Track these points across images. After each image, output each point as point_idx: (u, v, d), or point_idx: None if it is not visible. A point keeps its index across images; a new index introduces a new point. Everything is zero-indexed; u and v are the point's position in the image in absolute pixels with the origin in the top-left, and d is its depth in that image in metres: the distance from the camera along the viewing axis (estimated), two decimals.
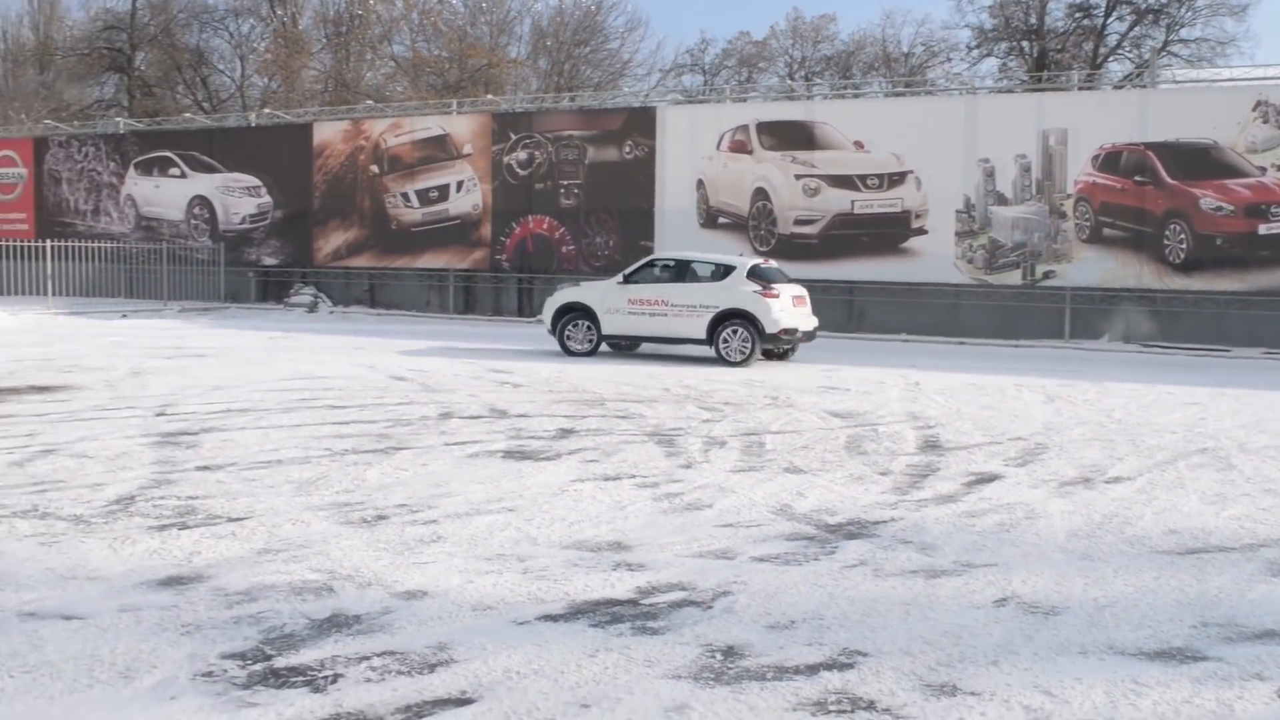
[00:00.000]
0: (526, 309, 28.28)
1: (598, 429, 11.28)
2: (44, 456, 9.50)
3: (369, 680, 4.75)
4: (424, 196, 29.22)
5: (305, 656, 5.01)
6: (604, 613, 5.66)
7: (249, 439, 10.43)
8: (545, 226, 27.86)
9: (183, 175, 32.86)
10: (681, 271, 19.03)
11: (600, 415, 12.21)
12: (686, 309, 18.51)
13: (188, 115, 41.58)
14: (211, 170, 32.42)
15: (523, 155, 28.06)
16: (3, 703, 4.50)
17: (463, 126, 29.21)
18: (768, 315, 18.05)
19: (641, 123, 27.08)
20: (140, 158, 33.69)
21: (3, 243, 32.11)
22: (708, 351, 18.64)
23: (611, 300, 18.99)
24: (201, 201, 32.50)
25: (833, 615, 5.68)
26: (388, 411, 12.27)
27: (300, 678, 4.77)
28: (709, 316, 18.32)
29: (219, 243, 32.05)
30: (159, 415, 11.84)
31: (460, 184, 28.80)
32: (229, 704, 4.50)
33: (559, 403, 13.16)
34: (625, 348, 19.75)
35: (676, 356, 19.05)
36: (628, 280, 19.05)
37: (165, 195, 33.17)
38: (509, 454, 9.87)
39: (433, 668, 4.90)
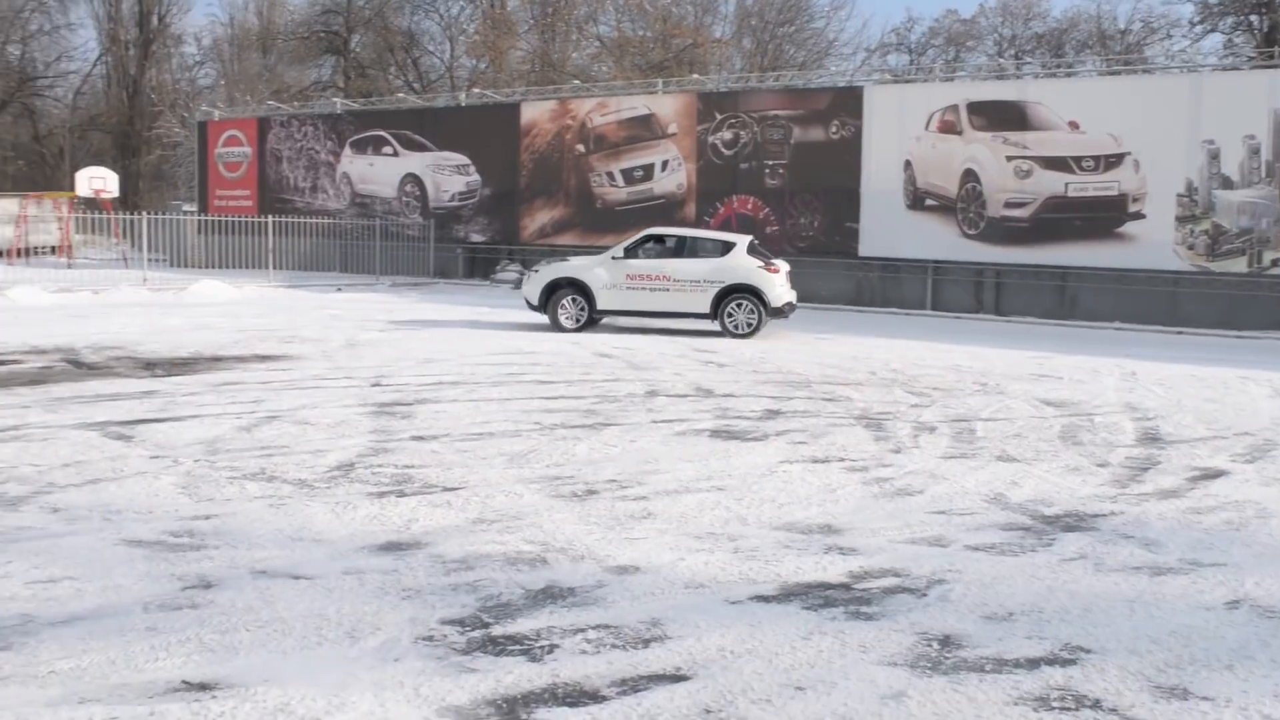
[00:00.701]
0: None
1: (804, 411, 11.19)
2: (269, 422, 9.89)
3: (584, 652, 4.80)
4: (629, 176, 29.43)
5: (522, 626, 5.09)
6: (816, 595, 5.61)
7: (460, 411, 10.68)
8: (749, 207, 27.76)
9: (395, 154, 33.78)
10: (681, 247, 19.36)
11: (806, 397, 12.12)
12: (690, 284, 18.81)
13: (400, 95, 42.75)
14: (423, 149, 33.25)
15: (728, 135, 28.00)
16: (240, 655, 4.70)
17: (668, 106, 29.29)
18: (773, 289, 18.75)
19: (847, 102, 26.71)
20: (355, 137, 34.75)
21: (229, 218, 33.59)
22: (705, 325, 19.16)
23: (608, 276, 19.01)
24: (413, 179, 33.38)
25: (1052, 609, 5.51)
26: (594, 388, 12.42)
27: (517, 646, 4.85)
28: (714, 291, 18.76)
29: (429, 220, 32.87)
30: (374, 386, 12.22)
31: (665, 163, 28.91)
32: (449, 668, 4.60)
33: (764, 383, 13.10)
34: (594, 321, 19.51)
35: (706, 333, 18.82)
36: (626, 256, 19.13)
37: (378, 173, 34.17)
38: (716, 433, 9.87)
39: (647, 643, 4.92)
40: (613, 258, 19.18)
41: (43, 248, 38.24)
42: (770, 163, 27.49)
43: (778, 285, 18.85)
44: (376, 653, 4.76)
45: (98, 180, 36.53)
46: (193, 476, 7.79)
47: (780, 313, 18.99)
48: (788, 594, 5.63)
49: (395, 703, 4.29)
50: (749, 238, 19.84)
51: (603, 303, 19.04)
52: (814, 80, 34.47)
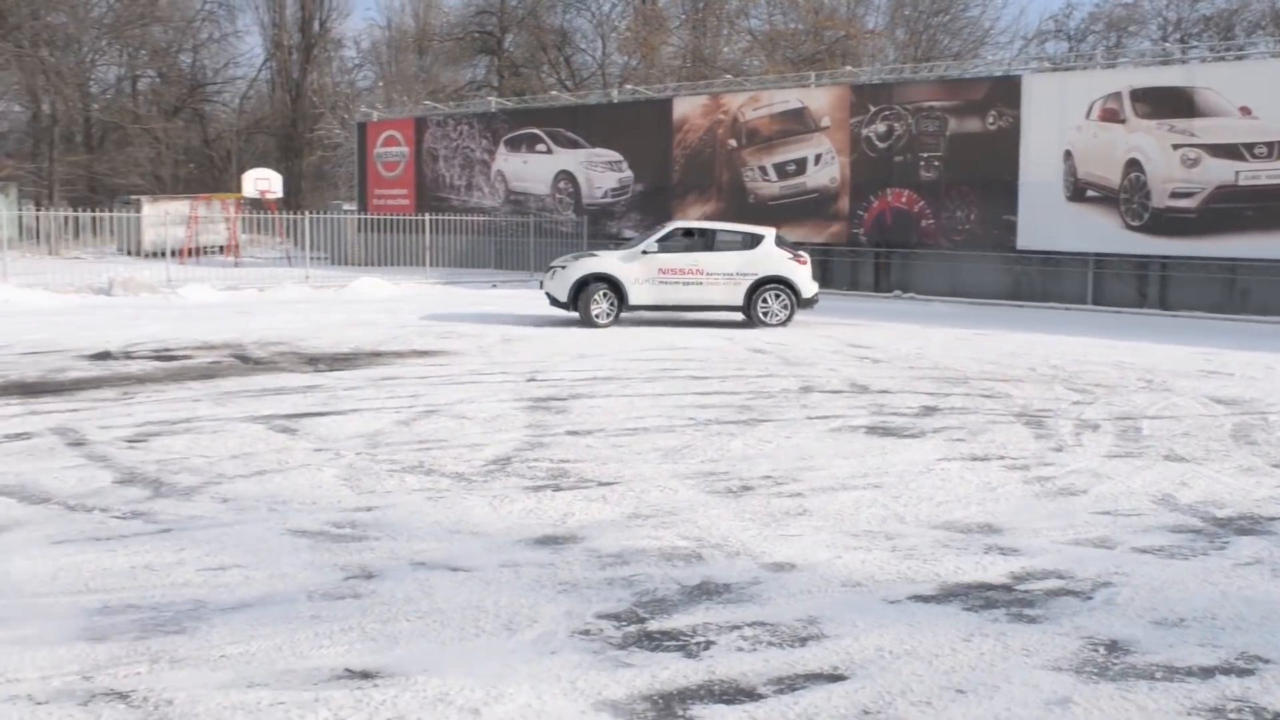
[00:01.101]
0: (884, 284, 27.89)
1: (962, 407, 10.97)
2: (427, 417, 10.08)
3: (740, 649, 4.77)
4: (781, 170, 29.23)
5: (677, 621, 5.08)
6: (977, 596, 5.49)
7: (615, 406, 10.73)
8: (904, 200, 27.34)
9: (549, 151, 34.12)
10: (711, 241, 19.48)
11: (964, 394, 11.88)
12: (723, 277, 19.04)
13: (553, 93, 43.19)
14: (575, 146, 33.52)
15: (881, 127, 27.62)
16: (401, 645, 4.78)
17: (820, 99, 29.02)
18: (803, 280, 19.31)
19: (1005, 92, 26.11)
20: (509, 135, 35.20)
21: (388, 217, 34.34)
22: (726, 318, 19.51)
23: (640, 270, 18.90)
24: (566, 176, 33.68)
25: (1227, 615, 5.30)
26: (748, 383, 12.37)
27: (673, 642, 4.84)
28: (747, 284, 19.06)
29: (582, 216, 33.13)
30: (529, 381, 12.36)
31: (818, 157, 28.64)
32: (606, 663, 4.62)
33: (920, 379, 12.89)
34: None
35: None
36: (658, 250, 19.00)
37: (532, 170, 34.56)
38: (872, 429, 9.74)
39: (803, 641, 4.87)
40: (643, 252, 19.05)
41: (211, 247, 39.60)
42: (925, 155, 27.04)
43: (807, 277, 19.36)
44: (533, 645, 4.80)
45: (263, 181, 37.65)
46: (354, 469, 7.98)
47: (809, 303, 19.43)
48: (947, 594, 5.52)
49: (552, 695, 4.32)
50: (774, 230, 20.25)
51: (635, 298, 18.95)
52: (970, 70, 33.71)
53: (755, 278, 19.05)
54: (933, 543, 6.35)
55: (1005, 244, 25.80)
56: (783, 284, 19.13)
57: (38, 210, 36.53)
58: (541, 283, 19.82)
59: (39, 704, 4.19)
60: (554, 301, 19.30)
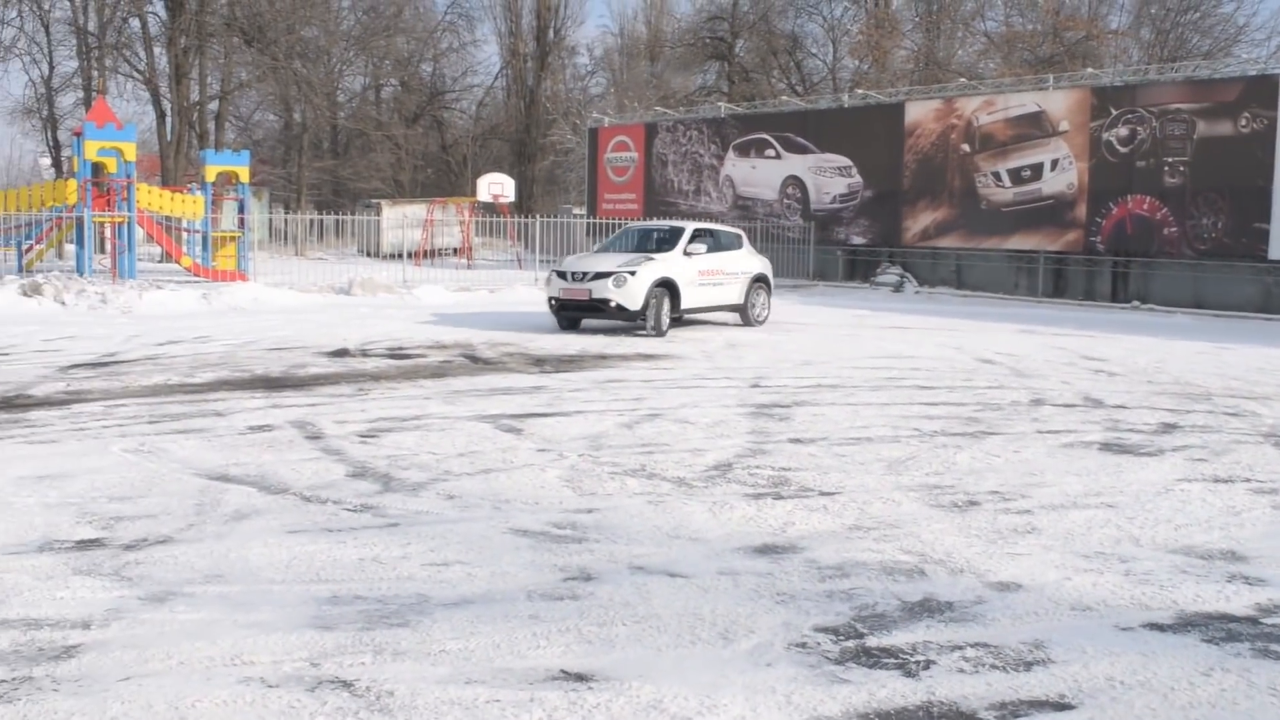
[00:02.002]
0: (1121, 294, 26.84)
1: (1204, 425, 10.43)
2: (650, 420, 10.13)
3: (961, 671, 4.62)
4: (1016, 175, 28.42)
5: (897, 638, 4.95)
6: (1218, 628, 5.18)
7: (838, 415, 10.59)
8: (1146, 207, 26.23)
9: (777, 156, 34.02)
10: (718, 241, 19.36)
11: (1207, 411, 11.29)
12: (731, 276, 19.14)
13: (783, 98, 43.04)
14: (804, 151, 33.33)
15: (1123, 131, 26.56)
16: (617, 649, 4.79)
17: (1058, 102, 28.10)
18: (772, 277, 20.16)
19: (1260, 93, 24.76)
20: (738, 140, 35.23)
21: (616, 221, 34.79)
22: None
23: (688, 273, 18.22)
24: (794, 181, 33.51)
25: None
26: (976, 395, 12.04)
27: (892, 659, 4.72)
28: (746, 281, 19.35)
29: (809, 221, 32.92)
30: (753, 387, 12.31)
31: (1054, 162, 27.73)
32: (822, 678, 4.53)
33: (1159, 394, 12.32)
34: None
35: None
36: (704, 251, 18.44)
37: (761, 175, 34.51)
38: (1106, 446, 9.34)
39: (1028, 666, 4.68)
40: (685, 254, 18.20)
41: (446, 249, 40.86)
42: (1170, 160, 25.87)
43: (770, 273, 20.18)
44: (749, 656, 4.75)
45: (496, 186, 38.65)
46: (576, 470, 8.07)
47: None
48: (1185, 624, 5.23)
49: (767, 709, 4.25)
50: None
51: (687, 301, 18.27)
52: (1221, 70, 32.10)
53: (750, 275, 19.36)
54: (1170, 568, 6.03)
55: (1255, 253, 24.50)
56: (764, 281, 19.72)
57: (286, 213, 38.37)
58: (590, 290, 17.50)
59: (270, 687, 4.36)
60: (620, 311, 17.43)
